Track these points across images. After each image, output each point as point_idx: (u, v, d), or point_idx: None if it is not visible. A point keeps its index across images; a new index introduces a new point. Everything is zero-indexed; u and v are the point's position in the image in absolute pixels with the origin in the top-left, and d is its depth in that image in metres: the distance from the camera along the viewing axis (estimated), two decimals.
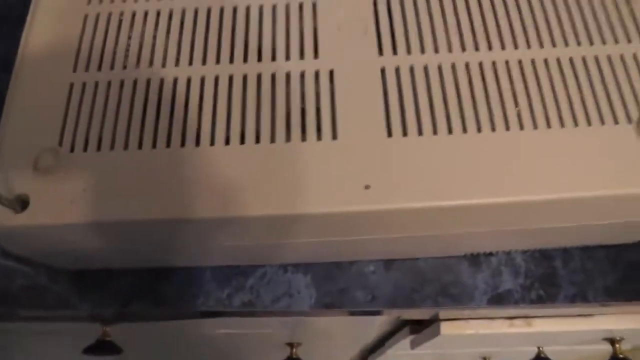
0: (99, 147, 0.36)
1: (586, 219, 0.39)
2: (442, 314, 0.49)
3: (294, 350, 0.64)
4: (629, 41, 0.39)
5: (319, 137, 0.35)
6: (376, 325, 0.59)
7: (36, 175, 0.35)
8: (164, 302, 0.42)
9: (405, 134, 0.35)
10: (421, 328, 0.53)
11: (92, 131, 0.36)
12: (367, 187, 0.34)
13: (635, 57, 0.38)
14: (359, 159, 0.35)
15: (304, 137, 0.35)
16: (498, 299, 0.43)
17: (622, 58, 0.38)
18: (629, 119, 0.36)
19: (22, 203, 0.35)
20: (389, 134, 0.35)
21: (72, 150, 0.36)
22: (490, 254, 0.45)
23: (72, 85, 0.38)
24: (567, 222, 0.39)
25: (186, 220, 0.35)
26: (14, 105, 0.37)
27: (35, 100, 0.37)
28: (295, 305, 0.42)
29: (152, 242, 0.37)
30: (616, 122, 0.36)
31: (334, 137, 0.35)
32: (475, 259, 0.44)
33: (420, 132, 0.35)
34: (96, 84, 0.38)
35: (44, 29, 0.39)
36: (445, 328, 0.49)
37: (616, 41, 0.39)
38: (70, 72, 0.38)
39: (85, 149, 0.36)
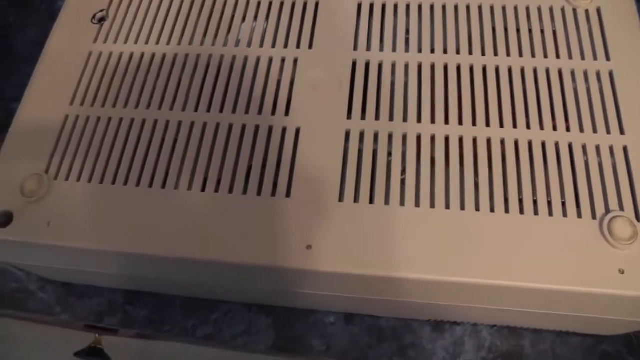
0: (79, 178, 0.39)
1: (547, 308, 0.37)
2: None
3: None
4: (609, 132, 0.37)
5: (274, 193, 0.37)
6: None
7: (21, 196, 0.39)
8: (131, 323, 0.45)
9: (356, 200, 0.36)
10: None
11: (76, 162, 0.39)
12: (309, 247, 0.35)
13: (611, 149, 0.37)
14: (307, 219, 0.36)
15: (259, 191, 0.37)
16: None
17: (597, 149, 0.37)
18: (593, 214, 0.35)
19: (7, 219, 0.38)
20: (340, 199, 0.36)
21: (56, 177, 0.39)
22: (456, 323, 0.44)
23: (66, 117, 0.41)
24: (529, 308, 0.38)
25: (150, 257, 0.37)
26: (17, 126, 0.41)
27: (34, 126, 0.41)
28: (252, 344, 0.44)
29: (115, 271, 0.40)
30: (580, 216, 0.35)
31: (288, 194, 0.36)
32: (439, 325, 0.44)
33: (371, 201, 0.36)
34: (87, 119, 0.41)
35: (53, 61, 0.43)
36: None
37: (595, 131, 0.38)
38: (68, 104, 0.42)
39: (67, 178, 0.39)
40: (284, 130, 0.39)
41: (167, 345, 0.55)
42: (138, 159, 0.39)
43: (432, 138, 0.38)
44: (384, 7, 0.43)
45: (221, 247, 0.35)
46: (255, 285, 0.39)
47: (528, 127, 0.38)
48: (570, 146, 0.37)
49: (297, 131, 0.38)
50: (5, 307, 0.46)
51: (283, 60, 0.41)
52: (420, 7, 0.43)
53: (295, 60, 0.41)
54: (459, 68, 0.40)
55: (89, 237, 0.37)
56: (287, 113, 0.39)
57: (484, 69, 0.40)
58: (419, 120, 0.38)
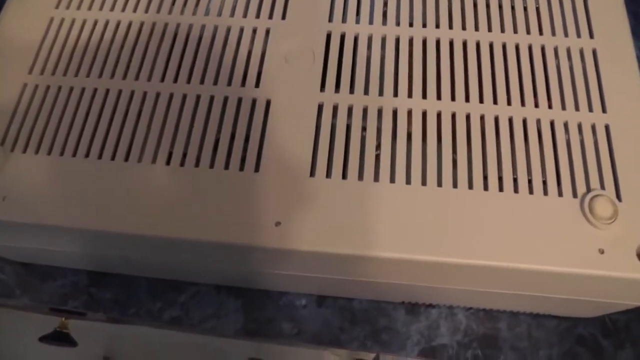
0: (37, 151, 0.37)
1: (525, 289, 0.36)
2: (382, 355, 0.47)
3: None
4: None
5: (242, 168, 0.35)
6: None
7: None
8: (96, 306, 0.43)
9: (328, 175, 0.34)
10: None
11: (35, 134, 0.37)
12: (277, 223, 0.33)
13: (593, 127, 0.36)
14: (276, 195, 0.34)
15: (227, 165, 0.35)
16: (430, 352, 0.42)
17: (579, 127, 0.36)
18: (574, 193, 0.34)
19: None
20: (312, 174, 0.34)
21: (12, 149, 0.37)
22: (431, 305, 0.43)
23: (25, 86, 0.39)
24: (507, 289, 0.37)
25: (112, 234, 0.35)
26: None
27: None
28: (221, 328, 0.42)
29: (76, 250, 0.38)
30: (560, 194, 0.34)
31: (257, 169, 0.35)
32: (413, 308, 0.43)
33: (344, 176, 0.34)
34: (47, 88, 0.39)
35: (11, 26, 0.41)
36: None
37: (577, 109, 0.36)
38: (26, 73, 0.39)
39: (25, 150, 0.37)
40: (254, 102, 0.37)
41: (136, 329, 0.53)
42: (100, 131, 0.37)
43: (409, 113, 0.36)
44: None
45: (185, 224, 0.34)
46: (222, 265, 0.37)
47: (509, 103, 0.37)
48: (552, 123, 0.36)
49: (268, 103, 0.37)
50: None
51: (254, 30, 0.40)
52: None
53: (268, 31, 0.39)
54: (438, 42, 0.39)
55: (47, 213, 0.35)
56: (257, 85, 0.37)
57: (464, 44, 0.39)
58: (395, 94, 0.37)
